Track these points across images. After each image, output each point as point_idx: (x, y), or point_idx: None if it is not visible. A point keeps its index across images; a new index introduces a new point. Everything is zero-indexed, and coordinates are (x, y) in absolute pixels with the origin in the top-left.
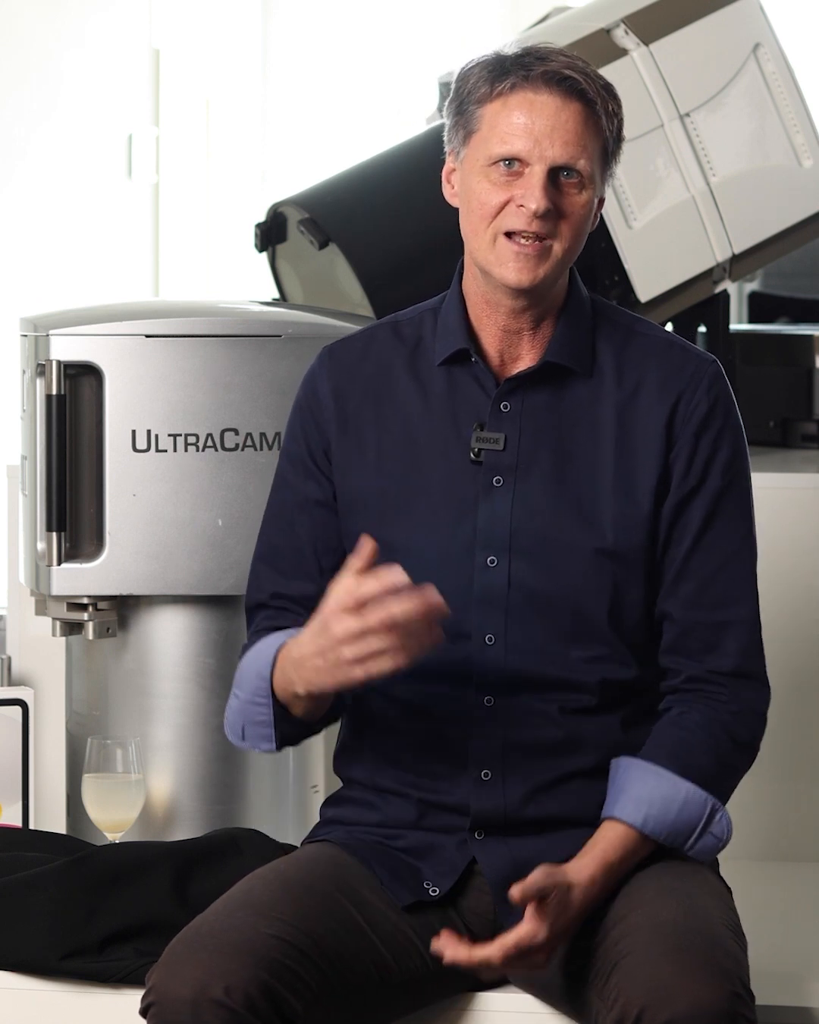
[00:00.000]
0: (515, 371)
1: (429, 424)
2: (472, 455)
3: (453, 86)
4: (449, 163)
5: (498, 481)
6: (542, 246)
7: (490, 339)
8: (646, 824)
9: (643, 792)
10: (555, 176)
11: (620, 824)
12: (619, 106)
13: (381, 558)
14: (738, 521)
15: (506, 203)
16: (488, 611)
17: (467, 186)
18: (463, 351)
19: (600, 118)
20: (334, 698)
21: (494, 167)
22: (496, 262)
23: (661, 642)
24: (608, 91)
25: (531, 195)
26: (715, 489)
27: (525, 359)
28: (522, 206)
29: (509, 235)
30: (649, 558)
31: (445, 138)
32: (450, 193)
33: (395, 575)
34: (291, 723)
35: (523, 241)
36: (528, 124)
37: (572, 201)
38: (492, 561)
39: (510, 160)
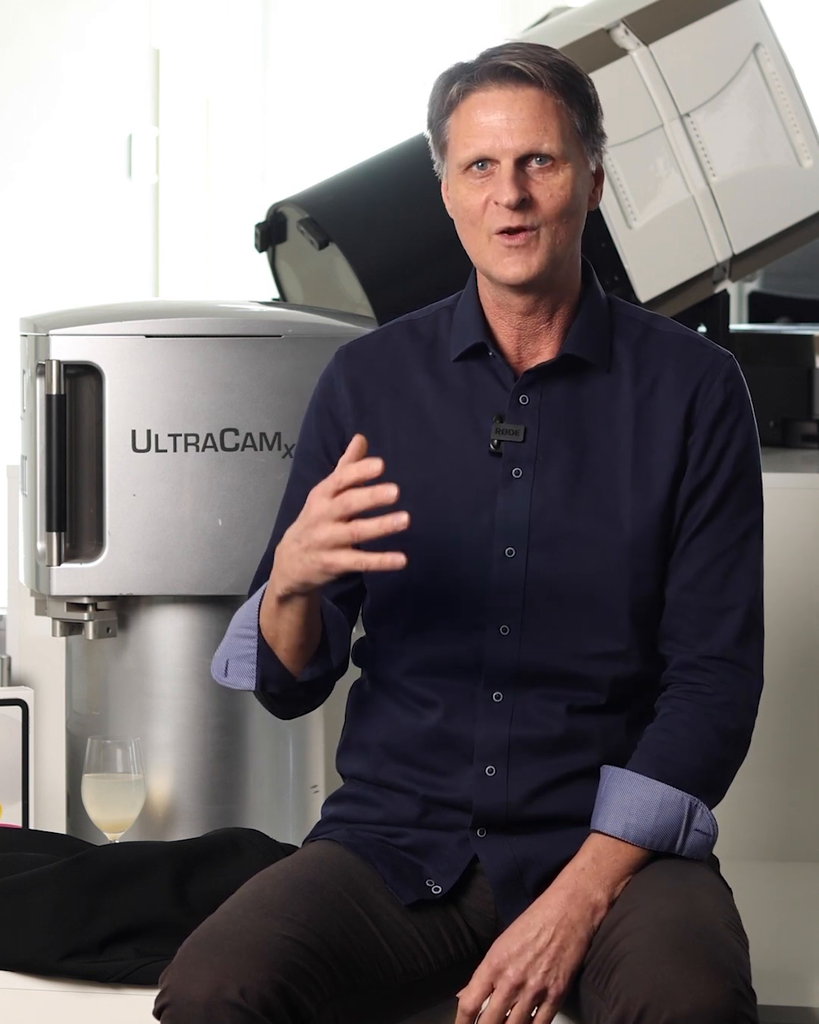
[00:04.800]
0: (533, 365)
1: (446, 417)
2: (491, 446)
3: (427, 107)
4: (443, 179)
5: (517, 473)
6: (529, 236)
7: (507, 337)
8: (628, 832)
9: (623, 800)
10: (524, 165)
11: (603, 836)
12: (578, 79)
13: (400, 549)
14: (743, 513)
15: (486, 203)
16: (505, 602)
17: (453, 196)
18: (480, 345)
19: (554, 96)
20: (319, 651)
21: (468, 172)
22: (492, 262)
23: (658, 628)
24: (556, 68)
25: (501, 190)
26: (725, 480)
27: (543, 353)
28: (497, 203)
29: (498, 233)
30: (665, 549)
31: (432, 157)
32: (450, 208)
33: (374, 464)
34: (274, 663)
35: (509, 235)
36: (485, 123)
37: (548, 185)
38: (510, 552)
39: (480, 162)
